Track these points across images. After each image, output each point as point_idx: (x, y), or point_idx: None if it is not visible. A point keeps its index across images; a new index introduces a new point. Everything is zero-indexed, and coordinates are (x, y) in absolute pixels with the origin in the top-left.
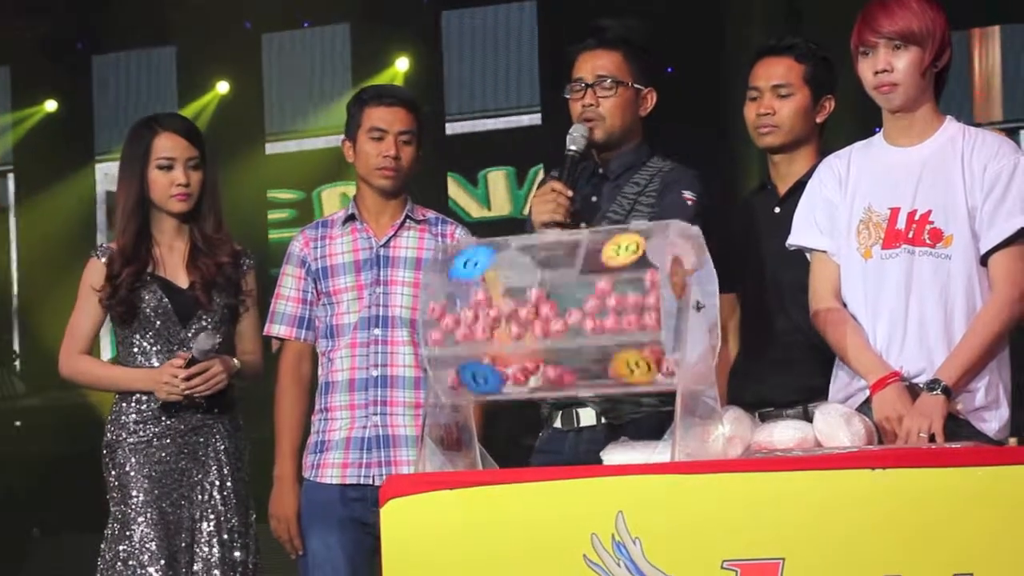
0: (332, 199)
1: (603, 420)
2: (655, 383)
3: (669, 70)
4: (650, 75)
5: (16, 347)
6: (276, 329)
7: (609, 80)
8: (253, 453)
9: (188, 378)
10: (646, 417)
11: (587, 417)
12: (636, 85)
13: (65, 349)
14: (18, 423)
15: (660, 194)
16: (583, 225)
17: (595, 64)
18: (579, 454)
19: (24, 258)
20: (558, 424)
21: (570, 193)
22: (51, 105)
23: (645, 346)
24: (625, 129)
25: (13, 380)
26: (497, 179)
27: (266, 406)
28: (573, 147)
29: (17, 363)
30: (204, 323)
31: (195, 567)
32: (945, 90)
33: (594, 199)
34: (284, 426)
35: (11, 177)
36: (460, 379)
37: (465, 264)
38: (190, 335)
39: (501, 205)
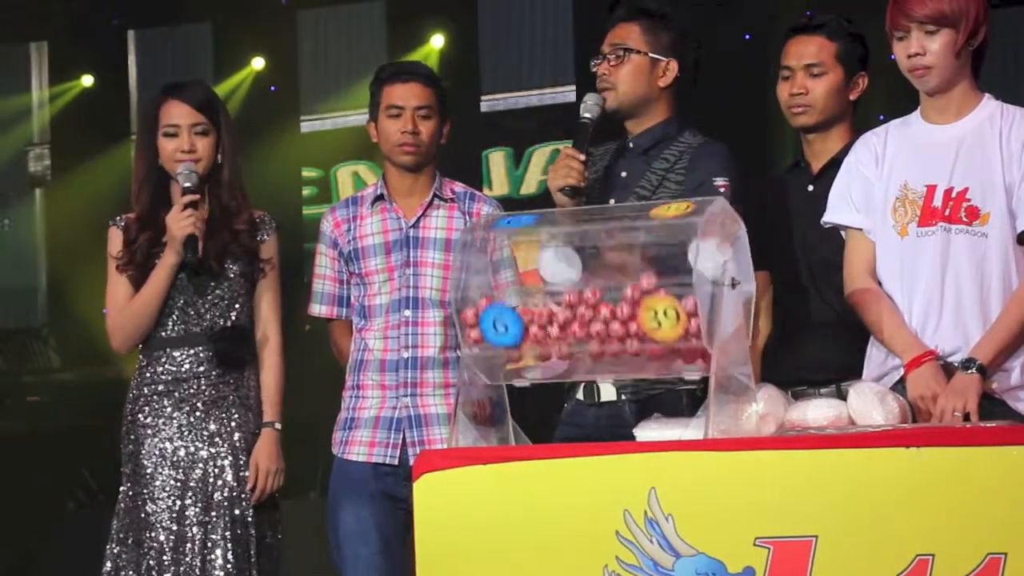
0: (345, 178)
1: (623, 396)
2: (682, 341)
3: (747, 37)
4: (672, 46)
5: (51, 321)
6: (317, 309)
7: (622, 49)
8: (285, 430)
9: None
10: (667, 393)
11: (607, 392)
12: (652, 55)
13: (107, 322)
14: (52, 397)
15: (688, 173)
16: (611, 201)
17: (614, 36)
18: (601, 428)
19: (60, 233)
20: (580, 396)
21: (583, 157)
22: (87, 80)
23: (675, 292)
24: (639, 97)
25: (48, 354)
26: (497, 160)
27: (297, 385)
28: (587, 115)
29: (52, 337)
30: (219, 293)
31: (206, 541)
32: (998, 68)
33: (623, 175)
34: None
35: (47, 152)
36: (481, 328)
37: (495, 326)
38: (205, 307)
39: (500, 185)
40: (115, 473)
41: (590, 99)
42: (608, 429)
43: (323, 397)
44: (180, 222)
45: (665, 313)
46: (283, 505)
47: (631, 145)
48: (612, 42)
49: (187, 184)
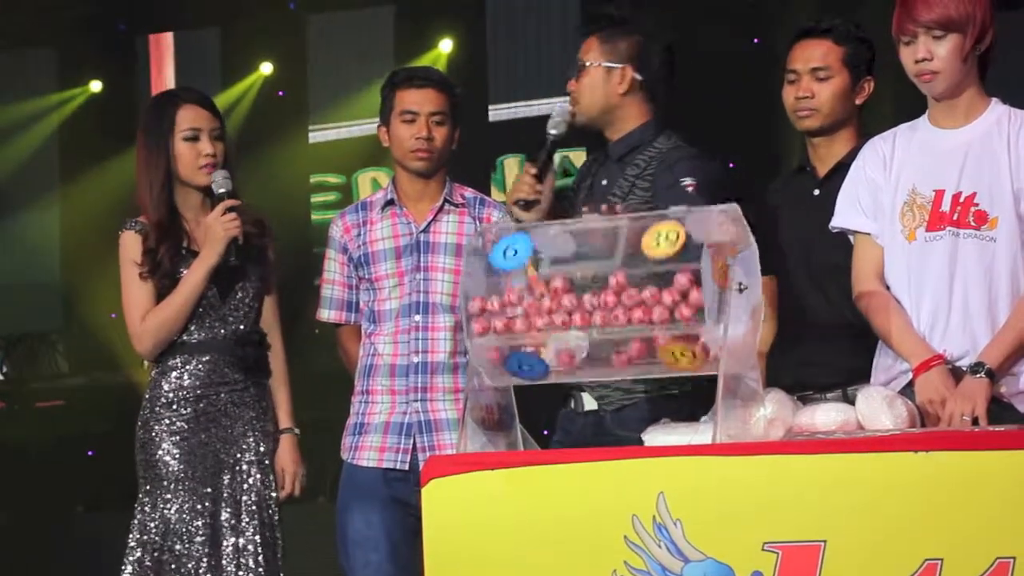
0: (365, 184)
1: (601, 407)
2: (702, 368)
3: (756, 40)
4: (631, 52)
5: (60, 326)
6: (326, 314)
7: (581, 64)
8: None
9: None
10: (644, 401)
11: (588, 402)
12: (606, 64)
13: (131, 327)
14: (61, 402)
15: (655, 177)
16: (585, 210)
17: (580, 52)
18: (586, 436)
19: (68, 238)
20: (571, 405)
21: (534, 171)
22: (96, 86)
23: (690, 338)
24: (599, 108)
25: (57, 359)
26: (512, 166)
27: (304, 389)
28: (552, 131)
29: (60, 343)
30: (241, 296)
31: (239, 545)
32: (1009, 72)
33: (604, 182)
34: None
35: (56, 157)
36: (506, 368)
37: (504, 253)
38: (228, 311)
39: None
40: (124, 479)
41: (557, 114)
42: (593, 437)
43: (331, 402)
44: (225, 224)
45: (683, 353)
46: (292, 510)
47: (608, 153)
48: (577, 58)
49: (222, 190)
